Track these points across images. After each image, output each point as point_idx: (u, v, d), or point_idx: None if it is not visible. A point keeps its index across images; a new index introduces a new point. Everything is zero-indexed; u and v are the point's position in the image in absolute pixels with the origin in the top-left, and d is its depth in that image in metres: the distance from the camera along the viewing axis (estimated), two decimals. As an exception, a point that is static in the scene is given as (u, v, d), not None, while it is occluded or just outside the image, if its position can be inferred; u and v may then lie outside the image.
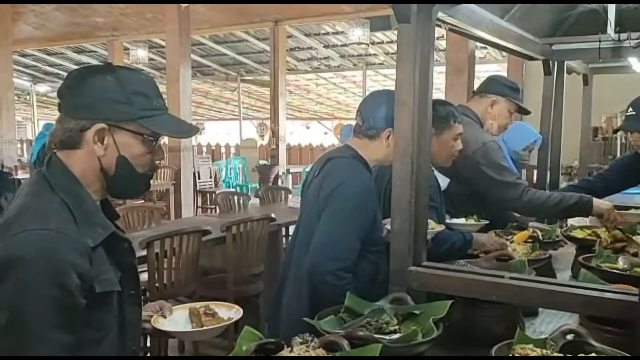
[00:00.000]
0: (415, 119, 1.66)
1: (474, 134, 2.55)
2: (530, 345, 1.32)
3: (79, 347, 1.22)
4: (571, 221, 2.93)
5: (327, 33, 10.90)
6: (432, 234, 2.02)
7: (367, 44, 9.33)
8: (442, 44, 8.92)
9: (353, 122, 2.20)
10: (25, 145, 17.12)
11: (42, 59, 14.07)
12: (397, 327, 1.51)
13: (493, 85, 2.81)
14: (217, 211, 6.46)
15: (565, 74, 3.35)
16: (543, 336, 1.39)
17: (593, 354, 1.28)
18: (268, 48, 10.30)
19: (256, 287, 4.24)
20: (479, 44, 7.17)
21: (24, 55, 13.49)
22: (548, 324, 1.82)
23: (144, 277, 3.42)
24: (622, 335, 1.45)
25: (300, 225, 2.10)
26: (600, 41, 2.73)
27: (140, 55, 10.93)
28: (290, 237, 2.35)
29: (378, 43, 10.80)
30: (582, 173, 4.49)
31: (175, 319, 1.54)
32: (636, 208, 3.03)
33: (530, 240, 2.44)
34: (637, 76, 3.85)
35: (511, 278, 1.60)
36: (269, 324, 2.14)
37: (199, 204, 9.78)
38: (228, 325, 1.53)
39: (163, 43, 10.06)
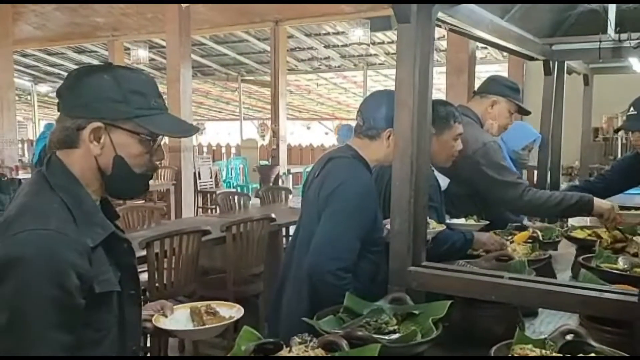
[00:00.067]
0: (415, 119, 1.66)
1: (474, 134, 2.55)
2: (530, 346, 1.32)
3: (79, 347, 1.21)
4: (571, 221, 2.92)
5: (328, 33, 10.90)
6: (432, 233, 2.02)
7: (368, 44, 9.34)
8: (442, 44, 8.93)
9: (352, 122, 2.21)
10: (26, 145, 17.14)
11: (42, 59, 14.09)
12: (396, 327, 1.51)
13: (493, 85, 2.81)
14: (218, 211, 6.47)
15: (565, 74, 3.34)
16: (542, 336, 1.39)
17: (592, 354, 1.28)
18: (268, 48, 10.31)
19: (256, 287, 4.24)
20: (480, 44, 7.18)
21: (24, 55, 13.51)
22: (548, 324, 1.82)
23: (143, 277, 3.42)
24: (621, 336, 1.45)
25: (300, 226, 2.10)
26: (600, 41, 2.73)
27: (140, 55, 10.95)
28: (290, 237, 2.35)
29: (379, 43, 10.81)
30: (582, 173, 4.49)
31: (177, 318, 1.54)
32: (636, 209, 3.02)
33: (530, 240, 2.44)
34: (637, 76, 3.84)
35: (510, 278, 1.60)
36: (269, 324, 2.15)
37: (200, 204, 9.79)
38: (230, 324, 1.53)
39: (163, 43, 10.06)
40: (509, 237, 2.47)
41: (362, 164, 2.01)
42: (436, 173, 2.36)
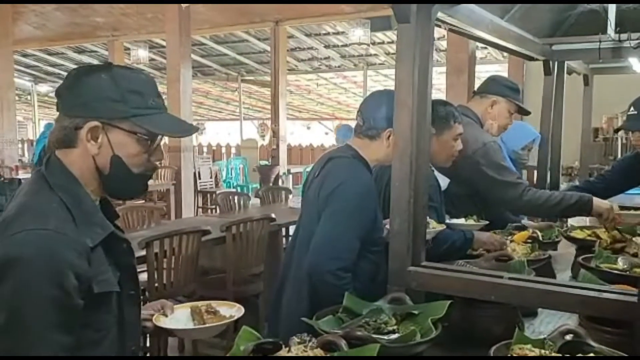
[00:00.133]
0: (415, 119, 1.66)
1: (474, 134, 2.55)
2: (529, 346, 1.32)
3: (78, 347, 1.21)
4: (571, 221, 2.92)
5: (328, 33, 10.90)
6: (433, 233, 2.02)
7: (368, 44, 9.34)
8: (442, 44, 8.93)
9: (352, 123, 2.21)
10: (26, 145, 17.13)
11: (43, 59, 14.10)
12: (395, 327, 1.51)
13: (493, 85, 2.81)
14: (218, 211, 6.47)
15: (565, 75, 3.34)
16: (542, 336, 1.39)
17: (591, 354, 1.28)
18: (269, 48, 10.31)
19: (256, 287, 4.24)
20: (480, 45, 7.18)
21: (24, 55, 13.52)
22: (547, 324, 1.82)
23: (143, 277, 3.42)
24: (621, 336, 1.45)
25: (300, 225, 2.10)
26: (600, 41, 2.73)
27: (140, 55, 10.95)
28: (290, 237, 2.35)
29: (379, 43, 10.81)
30: (582, 174, 4.49)
31: (177, 318, 1.54)
32: (635, 209, 3.02)
33: (529, 240, 2.44)
34: (637, 76, 3.84)
35: (510, 278, 1.60)
36: (268, 324, 2.14)
37: (200, 204, 9.79)
38: (230, 323, 1.53)
39: (163, 43, 10.06)
40: (509, 237, 2.48)
41: (362, 163, 2.01)
42: (436, 173, 2.36)
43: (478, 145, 2.52)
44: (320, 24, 10.14)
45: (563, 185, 3.69)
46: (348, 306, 1.59)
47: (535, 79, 4.75)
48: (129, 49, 11.35)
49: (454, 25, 2.15)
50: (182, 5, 7.97)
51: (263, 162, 11.78)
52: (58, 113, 1.31)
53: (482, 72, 9.10)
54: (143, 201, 6.75)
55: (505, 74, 7.17)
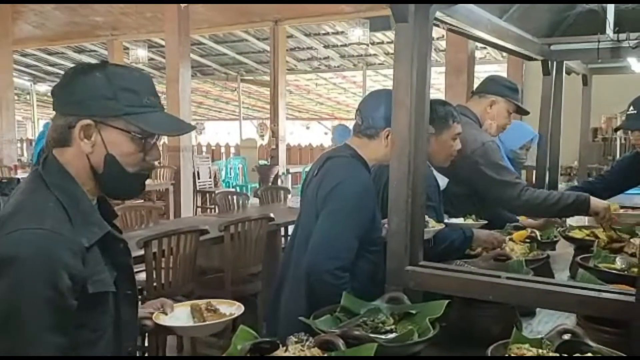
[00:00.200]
0: (413, 119, 1.65)
1: (472, 134, 2.55)
2: (526, 345, 1.31)
3: (74, 347, 1.21)
4: (570, 221, 2.93)
5: (327, 33, 10.90)
6: (432, 232, 2.01)
7: (367, 44, 9.33)
8: (441, 44, 8.93)
9: (349, 123, 2.20)
10: (25, 144, 17.12)
11: (42, 58, 14.09)
12: (393, 326, 1.51)
13: (492, 85, 2.81)
14: (217, 211, 6.47)
15: (564, 74, 3.34)
16: (540, 336, 1.39)
17: (589, 354, 1.28)
18: (268, 48, 10.31)
19: (254, 287, 4.24)
20: (479, 44, 7.18)
21: (24, 55, 13.50)
22: (545, 323, 1.82)
23: (141, 276, 3.42)
24: (619, 336, 1.45)
25: (299, 225, 2.10)
26: (599, 41, 2.73)
27: (140, 54, 10.93)
28: (289, 237, 2.35)
29: (378, 43, 10.81)
30: (581, 174, 4.49)
31: (177, 316, 1.53)
32: (633, 209, 3.02)
33: (528, 240, 2.44)
34: (636, 76, 3.84)
35: (508, 278, 1.60)
36: (267, 324, 2.15)
37: (199, 203, 9.78)
38: (231, 320, 1.53)
39: (163, 42, 10.07)
40: (507, 237, 2.47)
41: (360, 163, 2.00)
42: (435, 173, 2.36)
43: (477, 144, 2.52)
44: (320, 23, 10.14)
45: (562, 185, 3.69)
46: (346, 305, 1.59)
47: (534, 78, 4.75)
48: (128, 48, 11.34)
49: (453, 25, 2.15)
50: (181, 4, 7.96)
51: (262, 162, 11.78)
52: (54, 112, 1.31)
53: (482, 72, 9.09)
54: (142, 201, 6.74)
55: (504, 74, 7.18)
